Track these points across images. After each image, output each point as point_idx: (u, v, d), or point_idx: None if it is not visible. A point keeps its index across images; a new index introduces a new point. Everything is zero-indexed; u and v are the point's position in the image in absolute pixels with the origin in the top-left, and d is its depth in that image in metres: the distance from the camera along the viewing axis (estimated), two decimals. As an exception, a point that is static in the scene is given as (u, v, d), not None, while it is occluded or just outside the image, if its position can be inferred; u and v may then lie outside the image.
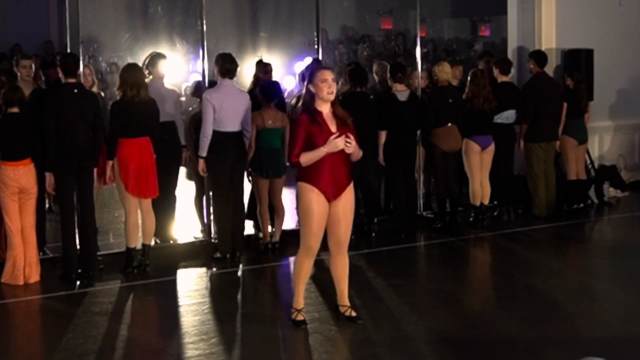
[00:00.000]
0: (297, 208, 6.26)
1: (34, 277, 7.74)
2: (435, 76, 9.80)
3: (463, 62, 11.32)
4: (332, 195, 6.14)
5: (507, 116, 10.04)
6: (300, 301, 6.41)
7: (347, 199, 6.24)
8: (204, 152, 8.28)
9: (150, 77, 8.52)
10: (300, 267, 6.31)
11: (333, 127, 6.13)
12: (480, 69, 10.03)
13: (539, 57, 10.47)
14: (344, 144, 6.04)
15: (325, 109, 6.17)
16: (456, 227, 9.68)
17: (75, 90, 7.74)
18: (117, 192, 8.19)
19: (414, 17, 11.02)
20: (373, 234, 9.15)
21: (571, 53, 11.23)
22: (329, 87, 6.11)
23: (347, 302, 6.46)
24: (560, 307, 6.93)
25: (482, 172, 9.80)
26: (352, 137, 6.11)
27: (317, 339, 6.18)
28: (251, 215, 8.90)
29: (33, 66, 8.51)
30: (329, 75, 6.15)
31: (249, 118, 8.41)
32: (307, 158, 6.07)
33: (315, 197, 6.11)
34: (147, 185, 7.99)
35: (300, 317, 6.39)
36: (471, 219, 9.92)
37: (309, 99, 6.18)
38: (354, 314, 6.44)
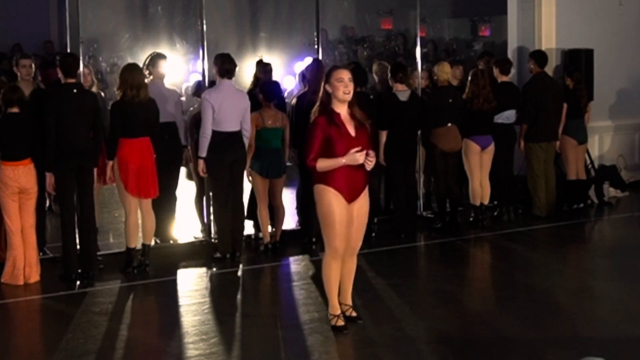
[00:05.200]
0: (317, 211, 6.16)
1: (34, 277, 7.74)
2: (435, 76, 9.80)
3: (463, 62, 11.32)
4: (348, 198, 6.08)
5: (507, 116, 10.04)
6: (336, 306, 6.28)
7: (363, 203, 6.18)
8: (203, 153, 8.28)
9: (151, 77, 8.52)
10: (329, 272, 6.19)
11: (351, 129, 6.06)
12: (480, 69, 10.03)
13: (539, 57, 10.47)
14: (364, 159, 5.98)
15: (342, 110, 6.08)
16: (456, 227, 9.68)
17: (75, 90, 7.74)
18: (117, 192, 8.19)
19: (414, 17, 11.02)
20: (373, 234, 9.14)
21: (571, 53, 11.23)
22: (345, 87, 6.00)
23: (349, 301, 6.43)
24: (560, 307, 6.94)
25: (482, 172, 9.80)
26: (373, 153, 6.06)
27: (317, 339, 6.18)
28: (251, 215, 8.90)
29: (33, 66, 8.51)
30: (345, 75, 6.02)
31: (248, 118, 8.41)
32: (324, 165, 5.98)
33: (335, 198, 6.03)
34: (147, 185, 7.98)
35: (340, 323, 6.25)
36: (471, 219, 9.93)
37: (326, 100, 6.07)
38: (354, 313, 6.42)
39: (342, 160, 5.96)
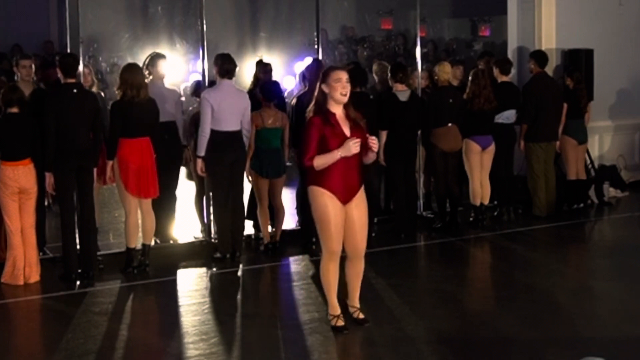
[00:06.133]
0: (312, 213, 6.16)
1: (34, 277, 7.74)
2: (436, 76, 9.80)
3: (463, 62, 11.32)
4: (343, 199, 6.07)
5: (508, 116, 10.04)
6: (336, 307, 6.28)
7: (360, 203, 6.17)
8: (202, 152, 8.28)
9: (151, 77, 8.52)
10: (327, 274, 6.19)
11: (346, 129, 6.04)
12: (481, 69, 10.03)
13: (540, 57, 10.47)
14: (358, 148, 5.95)
15: (338, 110, 6.06)
16: (456, 227, 9.68)
17: (75, 90, 7.74)
18: (117, 192, 8.19)
19: (414, 17, 11.02)
20: (373, 234, 9.13)
21: (571, 53, 11.23)
22: (342, 87, 5.99)
23: (357, 303, 6.42)
24: (560, 307, 6.94)
25: (482, 172, 9.80)
26: (375, 138, 6.05)
27: (317, 339, 6.18)
28: (251, 215, 8.90)
29: (33, 66, 8.51)
30: (343, 76, 6.01)
31: (248, 117, 8.41)
32: (321, 161, 5.96)
33: (330, 200, 6.02)
34: (148, 185, 7.98)
35: (340, 323, 6.25)
36: (471, 219, 9.93)
37: (322, 100, 6.05)
38: (362, 316, 6.41)
39: (338, 153, 5.94)
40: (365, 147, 6.08)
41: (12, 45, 13.23)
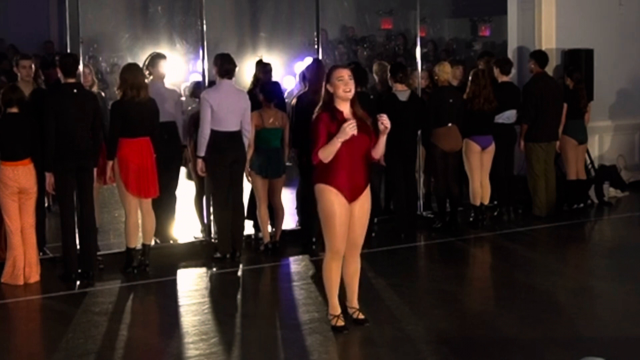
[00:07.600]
0: (318, 211, 6.15)
1: (34, 277, 7.74)
2: (436, 76, 9.80)
3: (463, 62, 11.33)
4: (349, 197, 6.07)
5: (508, 116, 10.04)
6: (336, 306, 6.28)
7: (364, 202, 6.17)
8: (202, 152, 8.29)
9: (151, 77, 8.52)
10: (330, 273, 6.19)
11: None
12: (481, 69, 10.03)
13: (540, 57, 10.47)
14: (354, 129, 5.88)
15: (345, 108, 6.08)
16: (456, 227, 9.68)
17: (75, 90, 7.74)
18: (117, 192, 8.19)
19: (414, 17, 11.02)
20: (373, 234, 9.14)
21: (571, 53, 11.22)
22: (345, 85, 6.01)
23: (356, 304, 6.42)
24: (560, 307, 6.94)
25: (482, 172, 9.80)
26: (385, 116, 5.99)
27: (317, 339, 6.18)
28: (251, 215, 8.90)
29: (33, 66, 8.52)
30: (345, 73, 6.04)
31: (248, 118, 8.41)
32: (325, 152, 5.95)
33: (336, 198, 6.02)
34: (148, 185, 7.98)
35: (340, 323, 6.24)
36: (471, 219, 9.93)
37: (328, 99, 6.08)
38: (361, 316, 6.40)
39: (338, 140, 5.91)
40: (368, 132, 6.03)
41: (8, 46, 13.24)
